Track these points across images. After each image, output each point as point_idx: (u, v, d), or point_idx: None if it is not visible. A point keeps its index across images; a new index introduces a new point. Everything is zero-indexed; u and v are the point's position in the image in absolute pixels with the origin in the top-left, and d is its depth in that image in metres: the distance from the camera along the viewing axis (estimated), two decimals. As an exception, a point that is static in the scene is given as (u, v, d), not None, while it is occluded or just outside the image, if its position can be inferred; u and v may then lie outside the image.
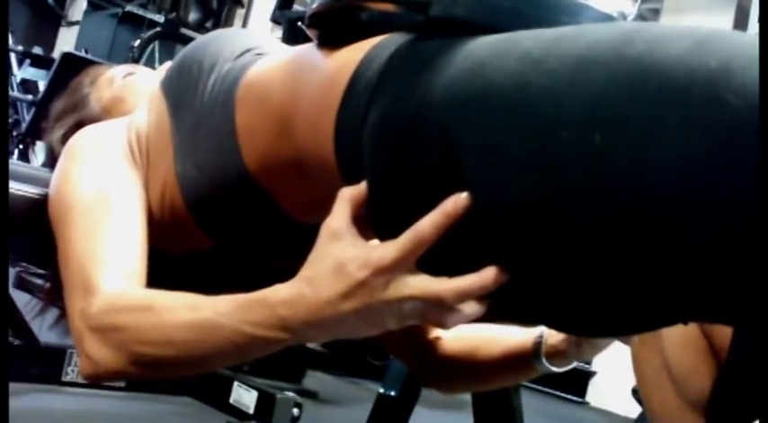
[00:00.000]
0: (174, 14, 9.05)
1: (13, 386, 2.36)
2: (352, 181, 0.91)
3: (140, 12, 8.94)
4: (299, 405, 2.48)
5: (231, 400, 2.49)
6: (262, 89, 1.12)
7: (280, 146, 1.07)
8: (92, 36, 9.13)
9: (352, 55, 0.97)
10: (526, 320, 1.26)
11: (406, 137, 0.84)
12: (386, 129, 0.87)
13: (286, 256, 1.36)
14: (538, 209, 0.74)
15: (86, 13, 9.59)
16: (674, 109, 0.67)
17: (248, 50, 1.22)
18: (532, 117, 0.75)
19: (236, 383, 2.51)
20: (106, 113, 1.46)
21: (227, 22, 9.70)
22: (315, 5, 1.03)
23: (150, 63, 6.89)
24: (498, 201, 0.77)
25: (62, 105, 1.51)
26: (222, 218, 1.19)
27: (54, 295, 1.54)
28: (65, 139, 1.39)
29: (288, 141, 1.05)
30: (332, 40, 1.04)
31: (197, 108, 1.19)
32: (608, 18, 0.93)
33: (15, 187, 1.35)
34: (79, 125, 1.39)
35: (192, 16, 9.37)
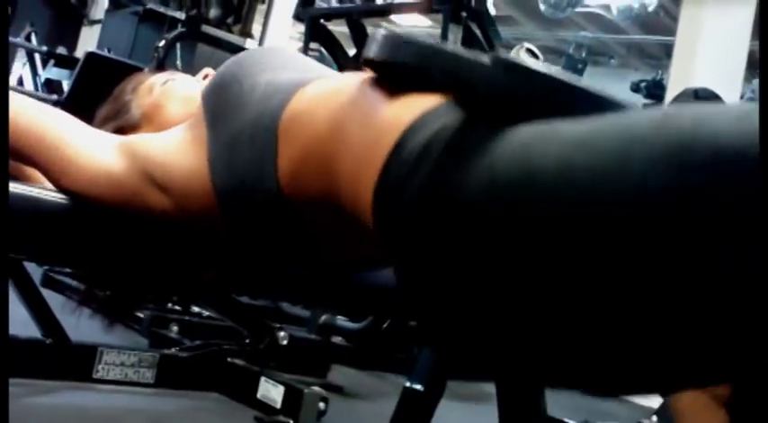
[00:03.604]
0: (194, 11, 9.08)
1: (45, 384, 2.41)
2: (388, 240, 0.92)
3: (161, 9, 8.96)
4: (325, 399, 2.52)
5: (258, 396, 2.52)
6: (307, 120, 1.12)
7: (318, 183, 1.09)
8: (114, 34, 9.18)
9: (403, 113, 0.96)
10: (510, 373, 1.25)
11: (443, 220, 0.84)
12: (423, 209, 0.86)
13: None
14: (586, 288, 0.74)
15: (108, 11, 9.65)
16: (728, 176, 0.68)
17: (292, 73, 1.24)
18: (579, 199, 0.74)
19: (263, 379, 2.54)
20: (146, 120, 1.48)
21: (248, 19, 9.71)
22: (373, 52, 1.03)
23: (172, 60, 6.93)
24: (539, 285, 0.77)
25: (105, 112, 1.53)
26: (256, 238, 1.23)
27: (87, 295, 1.57)
28: None
29: (328, 181, 1.06)
30: (386, 81, 1.04)
31: (236, 125, 1.21)
32: None
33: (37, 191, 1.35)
34: (119, 131, 1.42)
35: (213, 13, 9.38)
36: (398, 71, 1.02)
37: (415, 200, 0.87)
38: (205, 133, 1.25)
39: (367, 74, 1.09)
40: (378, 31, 1.05)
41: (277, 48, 1.42)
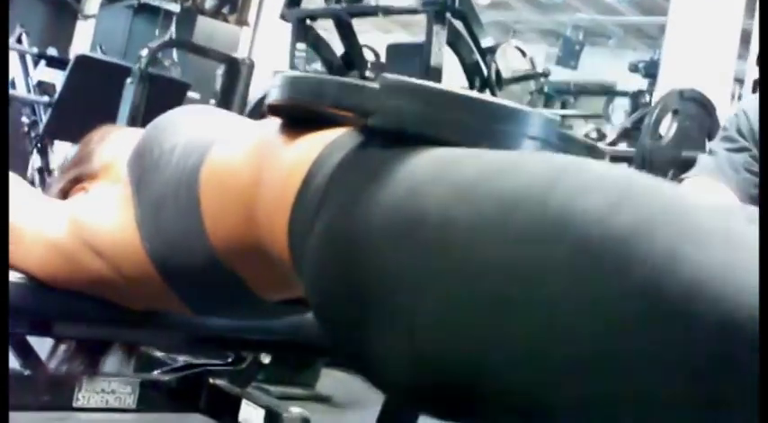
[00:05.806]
0: (190, 2, 9.06)
1: (25, 416, 2.41)
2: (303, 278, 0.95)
3: (156, 2, 8.92)
4: (306, 421, 2.52)
5: (240, 419, 2.53)
6: (226, 172, 1.14)
7: (244, 231, 1.10)
8: (108, 29, 9.15)
9: (309, 149, 0.99)
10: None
11: (345, 257, 0.87)
12: (327, 246, 0.89)
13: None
14: (460, 357, 0.77)
15: (102, 5, 9.61)
16: (584, 273, 0.69)
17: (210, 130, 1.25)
18: (457, 258, 0.77)
19: (244, 401, 2.55)
20: (103, 171, 1.47)
21: (244, 8, 9.70)
22: (272, 97, 1.06)
23: (168, 55, 6.92)
24: (425, 341, 0.79)
25: (75, 156, 1.52)
26: (198, 292, 1.23)
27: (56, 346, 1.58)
28: (62, 193, 1.44)
29: (251, 227, 1.08)
30: (293, 124, 1.07)
31: (159, 186, 1.21)
32: (550, 123, 0.94)
33: None
34: (77, 180, 1.42)
35: (209, 3, 9.38)
36: (300, 111, 1.05)
37: (320, 237, 0.90)
38: (131, 199, 1.25)
39: (276, 121, 1.11)
40: (276, 75, 1.09)
41: (196, 107, 1.42)
